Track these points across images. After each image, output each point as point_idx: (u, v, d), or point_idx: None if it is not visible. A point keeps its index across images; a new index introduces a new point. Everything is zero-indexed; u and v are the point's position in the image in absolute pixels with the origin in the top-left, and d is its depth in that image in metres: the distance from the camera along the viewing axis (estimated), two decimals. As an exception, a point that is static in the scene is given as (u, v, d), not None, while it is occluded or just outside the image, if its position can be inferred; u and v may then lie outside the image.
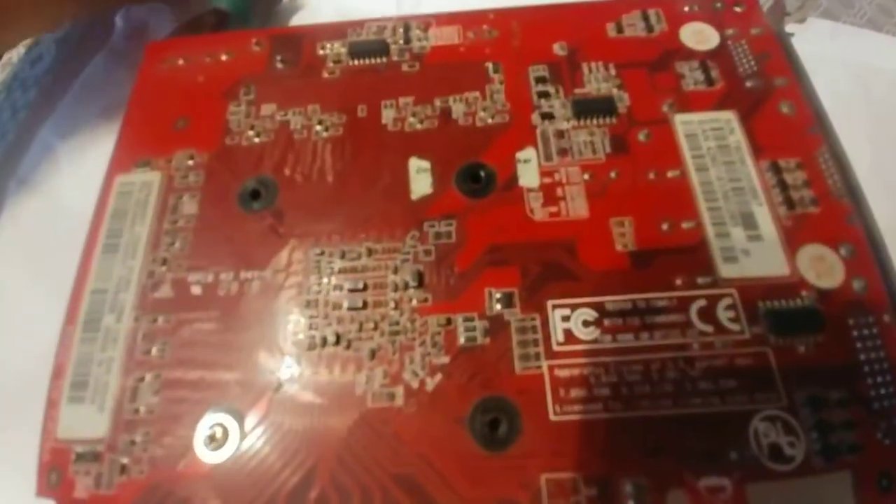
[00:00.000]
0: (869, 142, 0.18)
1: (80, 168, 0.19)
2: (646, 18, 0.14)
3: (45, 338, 0.15)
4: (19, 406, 0.14)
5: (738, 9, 0.14)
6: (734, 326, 0.10)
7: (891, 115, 0.18)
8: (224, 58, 0.14)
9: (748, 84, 0.13)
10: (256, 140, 0.13)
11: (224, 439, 0.10)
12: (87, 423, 0.10)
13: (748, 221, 0.11)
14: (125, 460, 0.10)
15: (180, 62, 0.14)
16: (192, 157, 0.13)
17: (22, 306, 0.16)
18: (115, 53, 0.21)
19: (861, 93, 0.18)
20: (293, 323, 0.11)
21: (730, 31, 0.13)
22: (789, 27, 0.14)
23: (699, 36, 0.13)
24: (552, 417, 0.10)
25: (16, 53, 0.23)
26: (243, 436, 0.10)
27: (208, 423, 0.10)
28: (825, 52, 0.15)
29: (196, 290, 0.11)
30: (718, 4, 0.14)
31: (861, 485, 0.09)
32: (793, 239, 0.11)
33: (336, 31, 0.14)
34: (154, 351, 0.11)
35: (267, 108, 0.13)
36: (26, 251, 0.17)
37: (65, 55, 0.21)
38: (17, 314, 0.16)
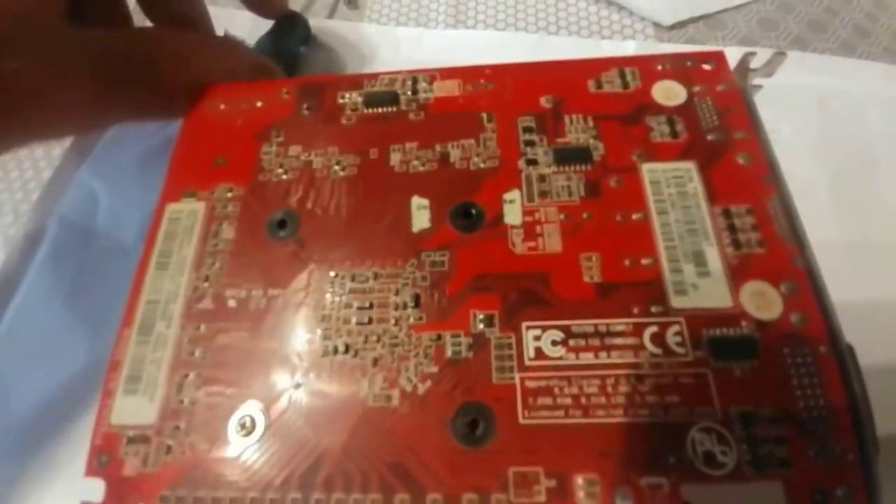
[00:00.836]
0: (828, 167, 0.19)
1: (116, 207, 0.21)
2: (622, 76, 0.16)
3: (81, 361, 0.17)
4: (51, 429, 0.17)
5: (706, 66, 0.16)
6: (680, 350, 0.12)
7: (851, 139, 0.19)
8: (258, 104, 0.17)
9: (709, 137, 0.14)
10: (284, 177, 0.15)
11: (252, 428, 0.12)
12: (139, 411, 0.13)
13: (699, 259, 0.13)
14: (170, 443, 0.12)
15: (221, 107, 0.17)
16: (230, 191, 0.15)
17: (62, 334, 0.18)
18: None
19: (823, 118, 0.19)
20: (310, 334, 0.13)
21: (697, 88, 0.15)
22: (758, 80, 0.16)
23: (668, 92, 0.15)
24: (521, 421, 0.12)
25: None
26: (267, 426, 0.12)
27: (239, 414, 0.12)
28: (790, 82, 0.16)
29: (232, 303, 0.14)
30: (689, 62, 0.16)
31: (795, 498, 0.10)
32: (738, 275, 0.13)
33: (353, 81, 0.17)
34: (197, 353, 0.13)
35: (293, 150, 0.16)
36: (66, 286, 0.19)
37: None
38: (59, 342, 0.18)
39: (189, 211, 0.15)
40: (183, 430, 0.12)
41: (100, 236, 0.20)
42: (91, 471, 0.12)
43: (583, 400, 0.12)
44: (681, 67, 0.16)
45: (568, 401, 0.12)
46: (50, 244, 0.20)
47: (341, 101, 0.16)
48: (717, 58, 0.16)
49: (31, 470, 0.17)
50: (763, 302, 0.12)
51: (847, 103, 0.21)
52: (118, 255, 0.19)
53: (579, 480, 0.11)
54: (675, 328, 0.12)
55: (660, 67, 0.16)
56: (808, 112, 0.21)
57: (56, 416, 0.17)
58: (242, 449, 0.12)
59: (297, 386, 0.12)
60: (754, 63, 0.15)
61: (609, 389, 0.12)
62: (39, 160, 0.25)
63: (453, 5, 0.25)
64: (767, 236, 0.13)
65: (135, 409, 0.13)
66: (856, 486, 0.11)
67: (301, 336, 0.13)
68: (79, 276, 0.20)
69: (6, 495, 0.16)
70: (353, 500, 0.11)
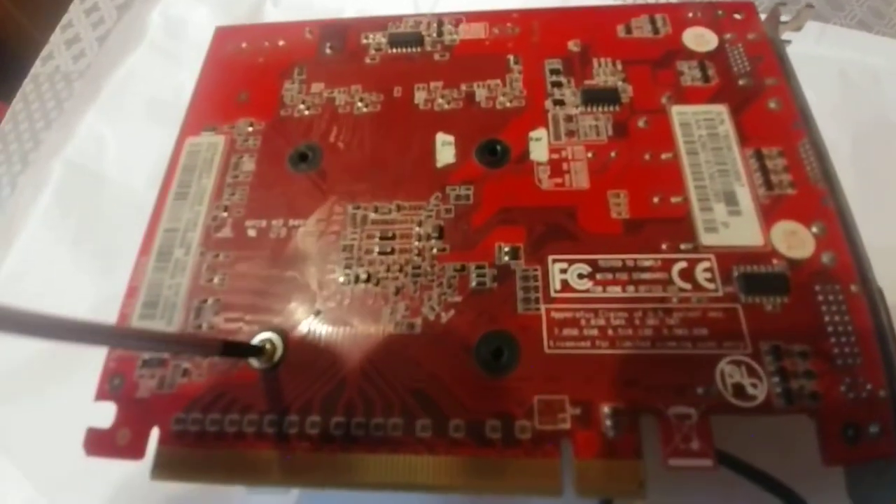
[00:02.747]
0: (849, 132, 0.19)
1: (125, 149, 0.21)
2: (653, 22, 0.15)
3: (87, 301, 0.17)
4: (62, 363, 0.16)
5: (737, 16, 0.15)
6: (710, 285, 0.12)
7: (870, 107, 0.19)
8: (281, 43, 0.16)
9: (741, 82, 0.14)
10: (306, 113, 0.15)
11: (271, 353, 0.12)
12: (158, 335, 0.12)
13: (730, 199, 0.13)
14: (187, 366, 0.12)
15: (244, 45, 0.16)
16: (251, 125, 0.15)
17: (65, 275, 0.18)
18: (155, 47, 0.23)
19: (844, 87, 0.19)
20: (331, 263, 0.13)
21: (728, 36, 0.15)
22: (786, 35, 0.16)
23: (699, 39, 0.15)
24: (546, 350, 0.11)
25: (56, 48, 0.26)
26: (286, 351, 0.12)
27: (259, 338, 0.12)
28: (812, 52, 0.16)
29: (251, 232, 0.13)
30: (720, 12, 0.15)
31: (826, 433, 0.10)
32: (769, 215, 0.12)
33: (378, 24, 0.16)
34: (216, 280, 0.13)
35: (316, 87, 0.15)
36: (72, 224, 0.19)
37: (106, 51, 0.24)
38: (64, 282, 0.18)
39: (209, 144, 0.15)
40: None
41: (108, 181, 0.20)
42: (102, 394, 0.12)
43: (609, 332, 0.11)
44: (711, 16, 0.15)
45: (594, 332, 0.11)
46: (56, 187, 0.20)
47: (365, 41, 0.16)
48: (747, 9, 0.15)
49: (38, 409, 0.16)
50: (794, 241, 0.12)
51: (866, 74, 0.20)
52: (127, 200, 0.19)
53: (605, 409, 0.11)
54: (705, 264, 0.12)
55: (690, 15, 0.15)
56: (830, 81, 0.20)
57: (61, 358, 0.17)
58: (261, 373, 0.12)
59: (318, 313, 0.12)
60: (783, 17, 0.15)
61: (636, 322, 0.11)
62: (51, 111, 0.24)
63: None
64: (799, 178, 0.13)
65: (151, 333, 0.12)
66: (888, 425, 0.10)
67: (322, 265, 0.13)
68: (85, 220, 0.19)
69: (14, 437, 0.16)
70: (373, 424, 0.11)
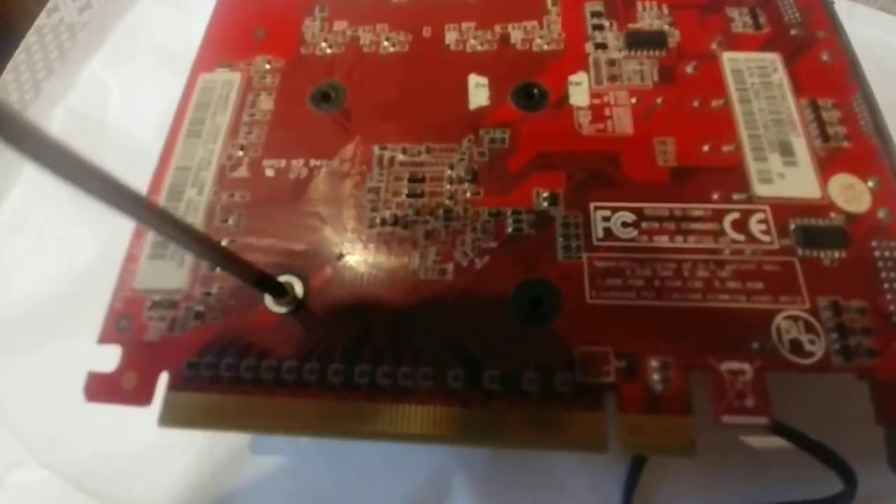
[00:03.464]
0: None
1: (130, 98, 0.20)
2: (700, -34, 0.14)
3: (87, 253, 0.17)
4: (69, 307, 0.16)
5: (787, -33, 0.14)
6: (765, 237, 0.11)
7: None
8: (301, -21, 0.15)
9: (792, 32, 0.13)
10: (328, 51, 0.14)
11: (291, 296, 0.11)
12: (167, 276, 0.11)
13: (785, 149, 0.12)
14: (200, 308, 0.11)
15: (261, -19, 0.15)
16: (269, 63, 0.14)
17: (66, 226, 0.17)
18: None
19: (873, 67, 0.18)
20: (356, 205, 0.12)
21: (778, -15, 0.14)
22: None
23: (750, -15, 0.14)
24: (589, 300, 0.11)
25: (61, 1, 0.24)
26: (307, 295, 0.11)
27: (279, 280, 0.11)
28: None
29: (269, 172, 0.12)
30: (769, -39, 0.15)
31: (882, 390, 0.10)
32: (826, 168, 0.12)
33: (406, -38, 0.15)
34: (230, 221, 0.12)
35: (339, 25, 0.14)
36: None
37: (112, 1, 0.23)
38: (64, 233, 0.17)
39: (224, 81, 0.14)
40: (215, 296, 0.11)
41: (112, 129, 0.19)
42: (108, 336, 0.11)
43: (656, 283, 0.11)
44: (761, -36, 0.14)
45: (640, 282, 0.11)
46: (57, 134, 0.19)
47: (392, -21, 0.15)
48: (798, -40, 0.15)
49: (36, 357, 0.16)
50: (851, 195, 0.11)
51: (893, 55, 0.20)
52: (132, 149, 0.18)
53: (652, 363, 0.10)
54: (760, 216, 0.11)
55: (739, -38, 0.14)
56: (861, 60, 0.20)
57: (61, 305, 0.16)
58: (280, 317, 0.11)
59: (340, 257, 0.11)
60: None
61: (685, 273, 0.11)
62: (53, 61, 0.23)
63: None
64: (853, 132, 0.12)
65: (162, 274, 0.11)
66: (947, 386, 0.10)
67: (345, 206, 0.12)
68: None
69: (13, 384, 0.15)
70: (401, 373, 0.10)
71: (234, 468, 0.14)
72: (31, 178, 0.19)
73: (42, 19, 0.24)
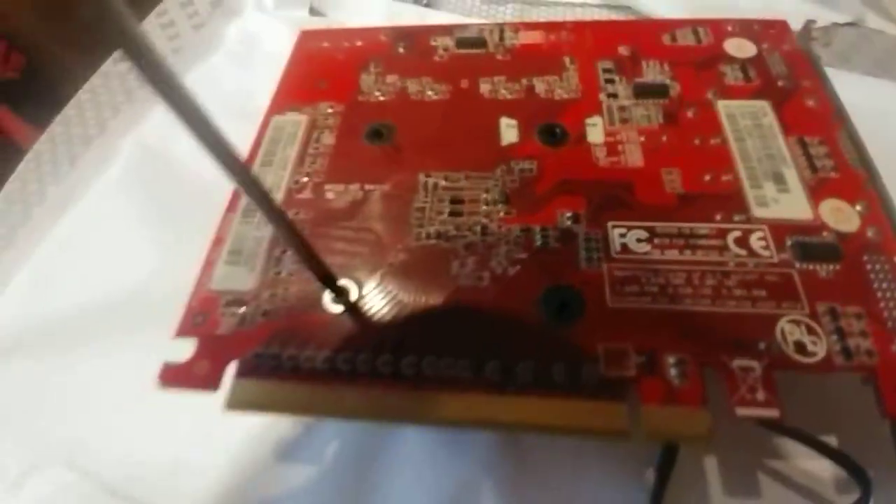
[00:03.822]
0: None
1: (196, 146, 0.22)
2: (695, 32, 0.17)
3: (145, 267, 0.18)
4: (124, 315, 0.17)
5: (771, 30, 0.17)
6: (765, 252, 0.12)
7: (878, 145, 0.20)
8: (358, 43, 0.18)
9: (780, 83, 0.16)
10: (381, 98, 0.17)
11: (347, 296, 0.13)
12: (239, 278, 0.13)
13: (778, 178, 0.14)
14: (267, 307, 0.13)
15: (325, 44, 0.18)
16: (331, 107, 0.17)
17: (128, 242, 0.19)
18: (230, 56, 0.25)
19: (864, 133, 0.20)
20: (404, 222, 0.14)
21: (765, 45, 0.16)
22: (816, 51, 0.17)
23: (740, 47, 0.17)
24: (609, 304, 0.12)
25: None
26: (360, 297, 0.13)
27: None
28: None
29: (330, 195, 0.14)
30: (756, 27, 0.17)
31: (885, 387, 0.10)
32: (816, 194, 0.13)
33: (445, 30, 0.18)
34: (295, 233, 0.14)
35: (390, 78, 0.17)
36: (136, 200, 0.20)
37: (181, 56, 0.26)
38: (120, 247, 0.19)
39: (293, 121, 0.16)
40: (280, 297, 0.13)
41: (177, 165, 0.21)
42: (185, 329, 0.13)
43: (669, 289, 0.12)
44: (749, 29, 0.17)
45: (655, 289, 0.12)
46: (123, 164, 0.21)
47: (433, 43, 0.18)
48: (781, 25, 0.17)
49: (84, 360, 0.17)
50: (841, 216, 0.13)
51: (874, 115, 0.21)
52: (196, 186, 0.20)
53: (670, 359, 0.11)
54: (759, 234, 0.13)
55: (730, 28, 0.17)
56: None
57: (109, 316, 0.17)
58: (337, 315, 0.12)
59: (391, 264, 0.13)
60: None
61: (695, 282, 0.12)
62: (120, 104, 0.26)
63: (519, 9, 0.27)
64: (840, 164, 0.14)
65: (235, 277, 0.13)
66: (943, 385, 0.11)
67: (395, 223, 0.14)
68: (151, 199, 0.20)
69: (69, 382, 0.17)
70: (444, 363, 0.11)
71: (264, 476, 0.15)
72: (94, 198, 0.21)
73: (108, 66, 0.28)
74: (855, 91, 0.21)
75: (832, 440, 0.13)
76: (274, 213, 0.10)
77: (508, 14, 0.26)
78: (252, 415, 0.12)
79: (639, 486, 0.13)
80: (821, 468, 0.13)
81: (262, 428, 0.15)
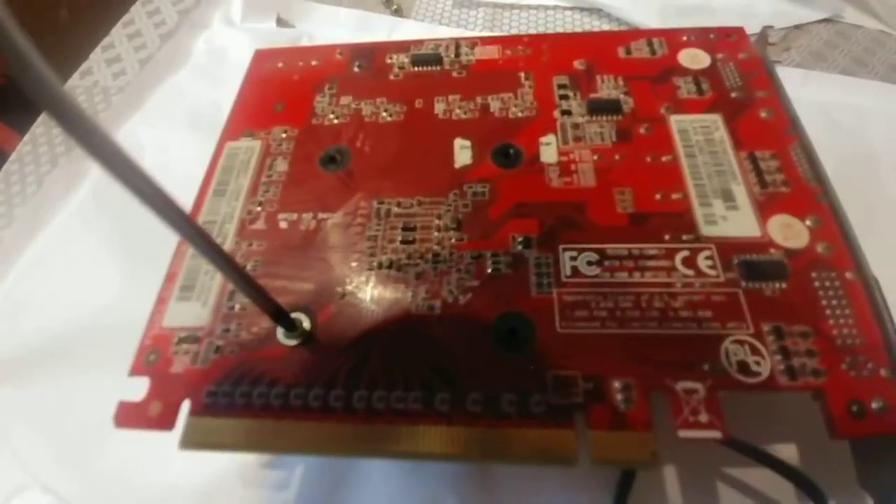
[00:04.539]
0: (831, 164, 0.20)
1: (164, 153, 0.22)
2: (650, 44, 0.17)
3: (112, 291, 0.18)
4: (92, 340, 0.17)
5: (728, 38, 0.17)
6: (711, 272, 0.12)
7: (853, 141, 0.20)
8: (313, 63, 0.18)
9: (733, 94, 0.16)
10: (336, 121, 0.16)
11: (300, 331, 0.13)
12: (192, 314, 0.13)
13: (727, 195, 0.14)
14: (220, 343, 0.13)
15: (280, 64, 0.18)
16: (285, 132, 0.16)
17: (95, 266, 0.19)
18: (198, 69, 0.25)
19: (827, 124, 0.20)
20: (356, 251, 0.14)
21: (720, 56, 0.16)
22: (774, 56, 0.17)
23: (694, 58, 0.16)
24: (559, 330, 0.12)
25: (96, 65, 0.27)
26: (314, 329, 0.13)
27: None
28: (795, 94, 0.17)
29: (283, 224, 0.14)
30: (713, 35, 0.17)
31: (832, 407, 0.11)
32: (765, 210, 0.13)
33: (401, 46, 0.18)
34: (249, 266, 0.14)
35: (345, 99, 0.17)
36: (104, 222, 0.20)
37: (149, 70, 0.26)
38: (89, 271, 0.19)
39: (247, 147, 0.16)
40: (233, 332, 0.13)
41: None
42: (138, 368, 0.13)
43: (618, 313, 0.12)
44: (705, 38, 0.17)
45: (604, 313, 0.12)
46: (92, 184, 0.21)
47: (389, 60, 0.18)
48: (738, 32, 0.17)
49: (54, 385, 0.17)
50: (790, 233, 0.13)
51: (850, 113, 0.21)
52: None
53: (616, 384, 0.11)
54: (707, 253, 0.13)
55: (685, 38, 0.17)
56: (814, 118, 0.21)
57: (79, 340, 0.18)
58: (289, 349, 0.12)
59: (343, 296, 0.13)
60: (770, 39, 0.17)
61: (643, 304, 0.12)
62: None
63: (490, 13, 0.27)
64: (792, 178, 0.14)
65: (187, 313, 0.13)
66: (892, 401, 0.11)
67: (347, 253, 0.14)
68: (119, 218, 0.20)
69: (38, 407, 0.17)
70: (394, 397, 0.12)
71: (235, 499, 0.15)
72: (62, 221, 0.21)
73: (75, 80, 0.27)
74: (831, 89, 0.21)
75: (791, 452, 0.13)
76: (220, 260, 0.10)
77: (480, 18, 0.26)
78: (207, 452, 0.12)
79: (601, 500, 0.14)
80: (781, 480, 0.14)
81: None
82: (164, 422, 0.12)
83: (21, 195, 0.23)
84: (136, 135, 0.23)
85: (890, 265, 0.13)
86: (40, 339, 0.18)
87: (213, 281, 0.14)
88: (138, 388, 0.12)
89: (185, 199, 0.15)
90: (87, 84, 0.27)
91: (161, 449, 0.15)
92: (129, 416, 0.12)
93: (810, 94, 0.21)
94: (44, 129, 0.26)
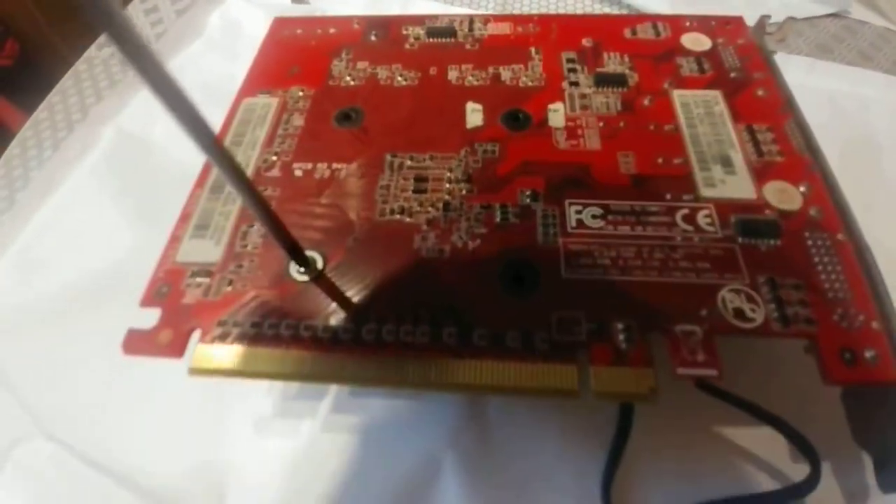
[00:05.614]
0: (836, 150, 0.21)
1: (175, 125, 0.23)
2: (655, 27, 0.18)
3: (124, 248, 0.18)
4: (104, 294, 0.17)
5: (727, 26, 0.18)
6: (710, 228, 0.13)
7: (857, 129, 0.21)
8: (331, 31, 0.19)
9: (732, 75, 0.16)
10: (351, 83, 0.17)
11: (312, 268, 0.13)
12: (205, 251, 0.13)
13: (726, 162, 0.14)
14: (232, 278, 0.13)
15: (298, 31, 0.19)
16: (302, 91, 0.17)
17: (107, 224, 0.19)
18: (212, 42, 0.26)
19: (832, 111, 0.21)
20: (368, 198, 0.14)
21: (720, 40, 0.17)
22: (772, 47, 0.18)
23: (695, 41, 0.17)
24: (564, 276, 0.12)
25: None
26: (325, 267, 0.13)
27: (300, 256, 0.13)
28: (801, 82, 0.18)
29: (298, 173, 0.15)
30: (713, 23, 0.18)
31: (825, 354, 0.11)
32: (761, 176, 0.14)
33: (417, 20, 0.19)
34: (263, 208, 0.14)
35: (361, 64, 0.18)
36: (116, 184, 0.21)
37: (163, 43, 0.26)
38: (101, 229, 0.19)
39: (263, 104, 0.17)
40: (246, 268, 0.13)
41: (157, 149, 0.21)
42: (148, 300, 0.13)
43: (620, 262, 0.13)
44: (706, 25, 0.18)
45: (607, 261, 0.13)
46: (104, 149, 0.21)
47: (405, 32, 0.19)
48: (736, 21, 0.18)
49: (66, 338, 0.17)
50: (784, 196, 0.14)
51: (855, 101, 0.22)
52: (174, 169, 0.20)
53: (618, 325, 0.12)
54: (706, 211, 0.13)
55: (687, 24, 0.18)
56: (819, 105, 0.22)
57: (91, 294, 0.18)
58: (301, 285, 0.13)
59: (356, 239, 0.13)
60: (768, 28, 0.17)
61: (644, 255, 0.13)
62: (103, 89, 0.26)
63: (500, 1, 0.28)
64: (786, 150, 0.14)
65: (200, 250, 0.13)
66: (883, 351, 0.11)
67: (360, 200, 0.14)
68: (131, 182, 0.21)
69: (48, 360, 0.17)
70: (403, 330, 0.12)
71: (236, 448, 0.15)
72: (76, 182, 0.21)
73: (92, 51, 0.28)
74: (837, 79, 0.22)
75: (787, 412, 0.14)
76: (242, 184, 0.10)
77: (492, 1, 0.27)
78: (215, 378, 0.12)
79: (595, 456, 0.14)
80: (775, 443, 0.14)
81: (233, 396, 0.15)
82: (174, 349, 0.12)
83: (38, 159, 0.23)
84: (150, 104, 0.23)
85: (891, 245, 0.14)
86: (53, 295, 0.18)
87: (227, 221, 0.14)
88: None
89: (197, 170, 0.15)
90: (104, 55, 0.28)
91: (167, 399, 0.15)
92: (138, 343, 0.12)
93: (816, 81, 0.22)
94: (60, 97, 0.26)
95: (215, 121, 0.16)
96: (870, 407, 0.13)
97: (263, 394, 0.16)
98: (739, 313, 0.12)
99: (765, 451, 0.14)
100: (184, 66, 0.24)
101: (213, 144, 0.09)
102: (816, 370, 0.11)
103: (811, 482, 0.13)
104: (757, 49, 0.17)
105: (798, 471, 0.13)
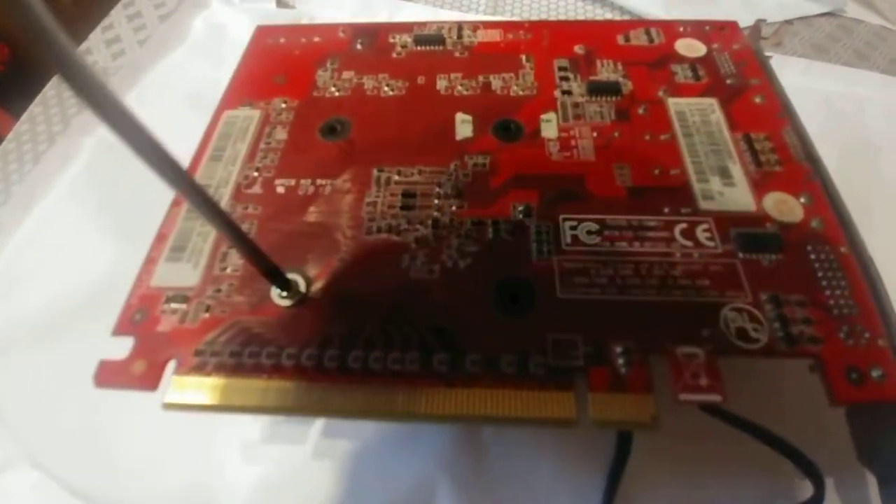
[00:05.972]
0: (833, 152, 0.21)
1: (161, 134, 0.22)
2: (648, 33, 0.17)
3: (106, 264, 0.18)
4: (87, 313, 0.17)
5: (722, 31, 0.18)
6: (710, 243, 0.13)
7: (854, 131, 0.21)
8: (316, 39, 0.18)
9: (728, 81, 0.16)
10: (337, 94, 0.16)
11: (295, 292, 0.12)
12: (181, 275, 0.13)
13: (724, 173, 0.14)
14: (210, 303, 0.12)
15: (282, 40, 0.18)
16: (285, 102, 0.16)
17: (88, 241, 0.19)
18: (196, 47, 0.25)
19: (828, 113, 0.21)
20: (355, 216, 0.13)
21: (715, 45, 0.17)
22: (767, 50, 0.17)
23: (690, 47, 0.17)
24: (559, 295, 0.12)
25: (95, 46, 0.27)
26: (309, 291, 0.12)
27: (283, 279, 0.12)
28: (797, 83, 0.18)
29: (280, 189, 0.14)
30: (707, 27, 0.18)
31: (831, 374, 0.11)
32: (760, 187, 0.13)
33: (404, 27, 0.18)
34: (244, 227, 0.13)
35: (346, 74, 0.17)
36: (98, 197, 0.20)
37: (147, 49, 0.25)
38: (83, 245, 0.19)
39: (245, 116, 0.16)
40: (224, 292, 0.12)
41: (140, 163, 0.21)
42: (123, 327, 0.12)
43: (618, 280, 0.12)
44: (700, 30, 0.17)
45: (604, 280, 0.12)
46: (85, 161, 0.21)
47: (392, 40, 0.18)
48: (731, 26, 0.18)
49: (42, 359, 0.16)
50: (784, 208, 0.13)
51: (851, 103, 0.22)
52: (156, 186, 0.20)
53: (617, 348, 0.11)
54: (704, 225, 0.13)
55: (681, 29, 0.18)
56: (816, 107, 0.22)
57: (72, 313, 0.17)
58: (284, 310, 0.12)
59: (341, 259, 0.13)
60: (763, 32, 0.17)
61: (643, 272, 0.12)
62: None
63: (492, 3, 0.27)
64: (784, 158, 0.14)
65: (177, 274, 0.13)
66: (890, 370, 0.11)
67: (346, 217, 0.13)
68: (112, 193, 0.20)
69: (23, 384, 0.16)
70: (391, 358, 0.11)
71: (224, 475, 0.14)
72: (57, 197, 0.20)
73: None
74: (833, 80, 0.22)
75: (790, 431, 0.13)
76: (214, 214, 0.09)
77: (482, 4, 0.27)
78: (192, 413, 0.11)
79: (593, 479, 0.13)
80: (778, 464, 0.13)
81: (221, 420, 0.15)
82: (148, 381, 0.11)
83: (18, 173, 0.22)
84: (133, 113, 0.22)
85: (890, 248, 0.13)
86: (34, 313, 0.17)
87: (206, 242, 0.13)
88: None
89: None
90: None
91: (153, 423, 0.14)
92: (111, 374, 0.11)
93: (812, 83, 0.22)
94: (42, 108, 0.25)
95: (198, 130, 0.16)
96: (875, 425, 0.12)
97: (252, 417, 0.15)
98: (742, 333, 0.11)
99: (768, 471, 0.14)
100: (168, 72, 0.23)
101: (183, 180, 0.08)
102: (818, 386, 0.11)
103: (815, 502, 0.12)
104: (753, 54, 0.17)
105: (802, 489, 0.13)
